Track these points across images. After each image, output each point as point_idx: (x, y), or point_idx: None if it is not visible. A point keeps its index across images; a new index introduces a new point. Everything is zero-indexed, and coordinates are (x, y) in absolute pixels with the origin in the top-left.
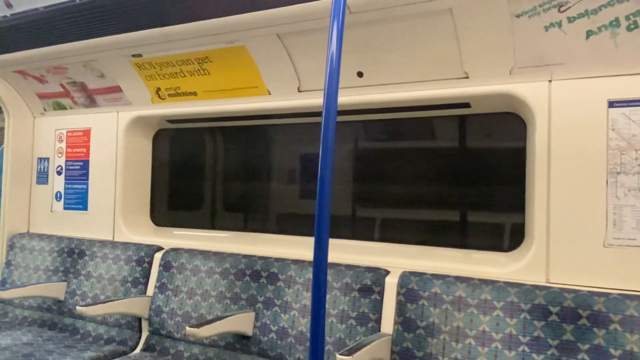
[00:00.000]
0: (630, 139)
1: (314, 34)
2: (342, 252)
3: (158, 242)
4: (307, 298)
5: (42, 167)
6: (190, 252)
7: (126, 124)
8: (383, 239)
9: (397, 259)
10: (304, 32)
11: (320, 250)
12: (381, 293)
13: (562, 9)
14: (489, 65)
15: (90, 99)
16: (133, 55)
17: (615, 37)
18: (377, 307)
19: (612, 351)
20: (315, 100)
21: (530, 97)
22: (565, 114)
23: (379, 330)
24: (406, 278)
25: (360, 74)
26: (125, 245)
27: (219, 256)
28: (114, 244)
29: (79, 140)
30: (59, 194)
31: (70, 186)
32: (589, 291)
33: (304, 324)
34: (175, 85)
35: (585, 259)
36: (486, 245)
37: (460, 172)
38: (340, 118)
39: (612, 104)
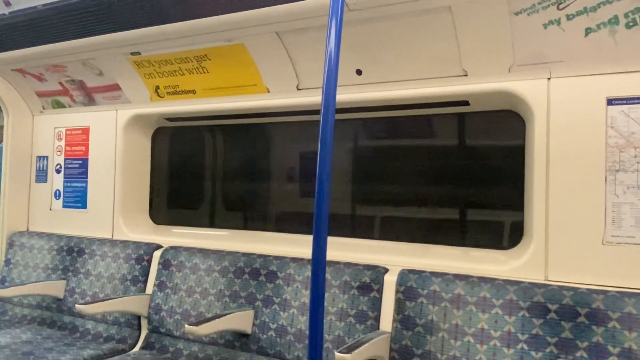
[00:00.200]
0: (629, 137)
1: (313, 31)
2: (341, 250)
3: (157, 240)
4: (306, 296)
5: (41, 166)
6: (189, 250)
7: (125, 122)
8: (382, 237)
9: (396, 257)
10: (303, 30)
11: (319, 248)
12: (380, 291)
13: (561, 6)
14: (488, 63)
15: (89, 97)
16: (132, 54)
17: (614, 34)
18: (376, 305)
19: (611, 349)
20: (314, 98)
21: (529, 94)
22: (564, 111)
23: (378, 328)
24: (405, 276)
25: (359, 72)
26: (125, 243)
27: (218, 254)
28: (113, 242)
29: (78, 139)
30: (58, 192)
31: (69, 184)
32: (587, 289)
33: (303, 321)
34: (174, 83)
35: (584, 257)
36: (485, 243)
37: (459, 170)
38: (338, 116)
39: (610, 102)
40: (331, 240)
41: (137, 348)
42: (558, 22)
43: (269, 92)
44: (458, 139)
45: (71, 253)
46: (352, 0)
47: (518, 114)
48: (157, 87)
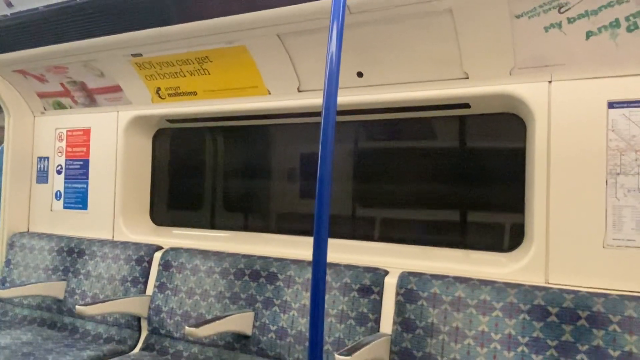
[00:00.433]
0: (630, 140)
1: (314, 34)
2: (341, 252)
3: (157, 241)
4: (306, 298)
5: (42, 166)
6: (190, 251)
7: (126, 123)
8: (382, 239)
9: (396, 259)
10: (304, 32)
11: (320, 250)
12: (380, 293)
13: (562, 9)
14: (489, 65)
15: (91, 99)
16: (133, 55)
17: (615, 37)
18: (376, 307)
19: (611, 352)
20: (315, 100)
21: (530, 97)
22: (565, 114)
23: (378, 331)
24: (405, 278)
25: (360, 74)
26: (125, 244)
27: (219, 256)
28: (113, 243)
29: (79, 140)
30: (58, 193)
31: (70, 185)
32: (588, 292)
33: (303, 323)
34: (175, 84)
35: (584, 260)
36: (485, 245)
37: (460, 173)
38: (339, 118)
39: (611, 105)
40: (332, 242)
41: (137, 349)
42: (559, 25)
43: (270, 94)
44: (459, 141)
45: (72, 254)
46: (353, 2)
47: (519, 117)
48: (159, 89)
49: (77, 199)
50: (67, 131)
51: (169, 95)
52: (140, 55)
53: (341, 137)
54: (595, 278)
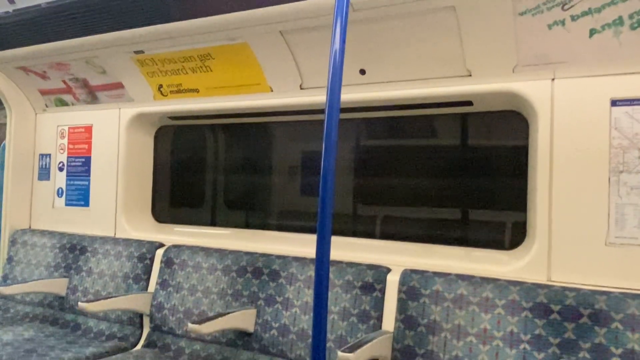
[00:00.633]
0: (633, 138)
1: (317, 31)
2: (344, 249)
3: (159, 238)
4: (308, 295)
5: (44, 164)
6: (192, 248)
7: (128, 120)
8: (385, 236)
9: (398, 257)
10: (307, 30)
11: (323, 247)
12: (383, 291)
13: (566, 7)
14: (492, 63)
15: (92, 96)
16: (135, 52)
17: (619, 35)
18: (379, 304)
19: (614, 350)
20: (318, 97)
21: (533, 95)
22: (568, 112)
23: (380, 328)
24: (408, 276)
25: (362, 72)
26: (127, 241)
27: (221, 253)
28: (115, 241)
29: (81, 137)
30: (60, 190)
31: (71, 182)
32: (590, 290)
33: (306, 321)
34: (177, 82)
35: (587, 258)
36: (488, 243)
37: (463, 171)
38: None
39: (615, 103)
40: (334, 240)
41: (139, 346)
42: (562, 23)
43: (272, 91)
44: (461, 139)
45: (73, 251)
46: (357, 0)
47: (522, 115)
48: (161, 86)
49: (79, 196)
50: (69, 128)
51: (171, 92)
52: (142, 52)
53: (344, 135)
54: (597, 276)
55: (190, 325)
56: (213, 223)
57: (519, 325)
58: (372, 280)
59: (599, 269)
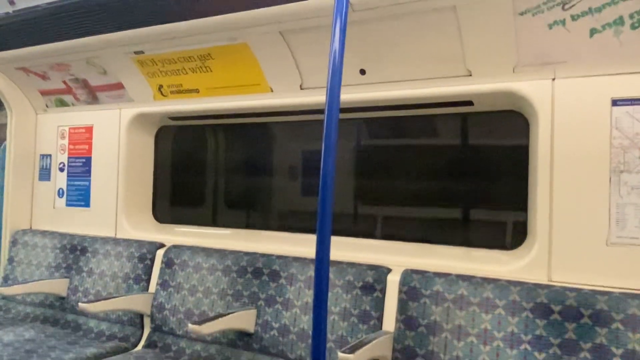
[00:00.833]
0: (634, 138)
1: (317, 31)
2: (344, 249)
3: (160, 239)
4: (308, 295)
5: (45, 164)
6: (192, 249)
7: (128, 120)
8: (385, 236)
9: (399, 257)
10: (307, 30)
11: (323, 247)
12: (383, 291)
13: (566, 7)
14: (492, 63)
15: (93, 96)
16: (135, 52)
17: (619, 35)
18: (379, 305)
19: (614, 350)
20: (318, 97)
21: (533, 95)
22: (569, 112)
23: (381, 328)
24: (408, 276)
25: (362, 72)
26: (128, 242)
27: (221, 253)
28: (116, 241)
29: (82, 137)
30: (61, 190)
31: (72, 183)
32: (591, 290)
33: (306, 321)
34: (177, 82)
35: (587, 258)
36: (488, 243)
37: (463, 171)
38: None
39: (615, 103)
40: (334, 240)
41: (139, 347)
42: (563, 22)
43: (272, 91)
44: (462, 139)
45: (74, 251)
46: (356, 0)
47: (522, 115)
48: (161, 86)
49: (79, 196)
50: (70, 129)
51: (171, 92)
52: (143, 52)
53: (344, 135)
54: (598, 276)
55: (190, 325)
56: (214, 223)
57: (520, 326)
58: (372, 281)
59: (599, 269)
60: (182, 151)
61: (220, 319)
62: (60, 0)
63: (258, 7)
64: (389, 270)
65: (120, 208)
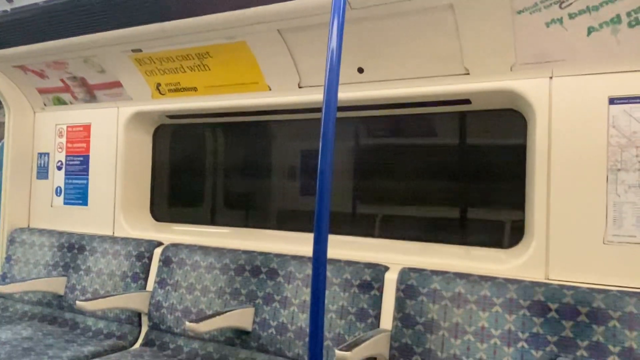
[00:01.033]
0: (631, 136)
1: (315, 29)
2: (341, 248)
3: (158, 237)
4: (306, 294)
5: (43, 162)
6: (190, 247)
7: (126, 119)
8: (383, 235)
9: (396, 255)
10: (305, 28)
11: (320, 246)
12: (380, 289)
13: (563, 5)
14: (490, 61)
15: (91, 94)
16: (133, 50)
17: (617, 33)
18: (377, 303)
19: (611, 348)
20: (316, 96)
21: (531, 93)
22: (566, 110)
23: (378, 326)
24: (406, 274)
25: (360, 70)
26: (125, 240)
27: (219, 252)
28: (113, 239)
29: (79, 136)
30: (59, 189)
31: (70, 181)
32: (588, 288)
33: (304, 319)
34: (175, 80)
35: (584, 256)
36: (486, 241)
37: (461, 169)
38: (340, 114)
39: (612, 101)
40: (332, 238)
41: (137, 345)
42: (560, 21)
43: (270, 90)
44: (459, 137)
45: (72, 250)
46: None
47: (520, 113)
48: (159, 85)
49: (77, 194)
50: (68, 127)
51: (169, 91)
52: (140, 50)
53: (342, 133)
54: (595, 274)
55: (188, 323)
56: (211, 222)
57: (517, 324)
58: (370, 279)
59: (596, 267)
60: (180, 150)
61: (217, 317)
62: None
63: (256, 5)
64: (386, 269)
65: (118, 206)
